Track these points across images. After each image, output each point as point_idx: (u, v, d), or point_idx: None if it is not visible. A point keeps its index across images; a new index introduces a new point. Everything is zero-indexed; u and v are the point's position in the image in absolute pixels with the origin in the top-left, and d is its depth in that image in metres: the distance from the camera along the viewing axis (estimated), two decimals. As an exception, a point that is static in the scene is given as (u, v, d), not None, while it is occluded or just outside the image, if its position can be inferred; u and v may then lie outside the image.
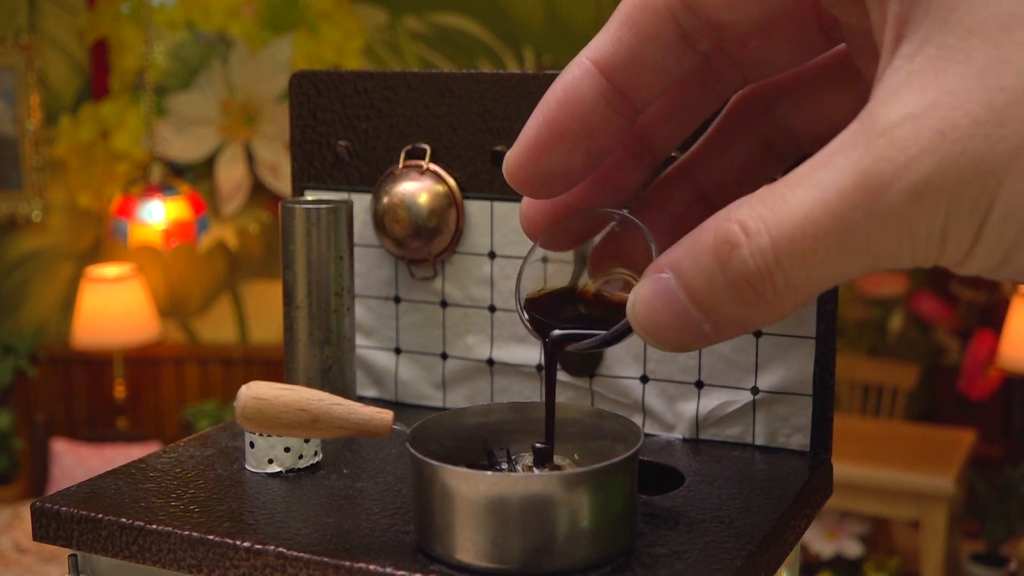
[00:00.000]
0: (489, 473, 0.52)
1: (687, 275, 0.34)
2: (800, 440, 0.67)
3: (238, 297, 3.67)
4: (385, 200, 0.74)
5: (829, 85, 0.42)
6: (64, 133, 3.48)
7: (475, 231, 0.74)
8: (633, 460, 0.52)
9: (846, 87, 0.42)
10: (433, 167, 0.74)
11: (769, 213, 0.32)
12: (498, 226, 0.73)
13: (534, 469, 0.53)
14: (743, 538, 0.54)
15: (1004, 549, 3.03)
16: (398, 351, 0.77)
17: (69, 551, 0.60)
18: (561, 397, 0.72)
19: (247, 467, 0.64)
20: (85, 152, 3.46)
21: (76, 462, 3.20)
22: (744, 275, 0.33)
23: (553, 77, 0.44)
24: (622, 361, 0.71)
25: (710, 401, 0.68)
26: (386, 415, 0.54)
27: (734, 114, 0.44)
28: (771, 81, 0.43)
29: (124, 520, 0.57)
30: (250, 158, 3.46)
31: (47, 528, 0.59)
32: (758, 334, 0.67)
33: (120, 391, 3.45)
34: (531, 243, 0.46)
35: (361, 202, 0.76)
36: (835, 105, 0.42)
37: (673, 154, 0.58)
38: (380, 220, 0.74)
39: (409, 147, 0.74)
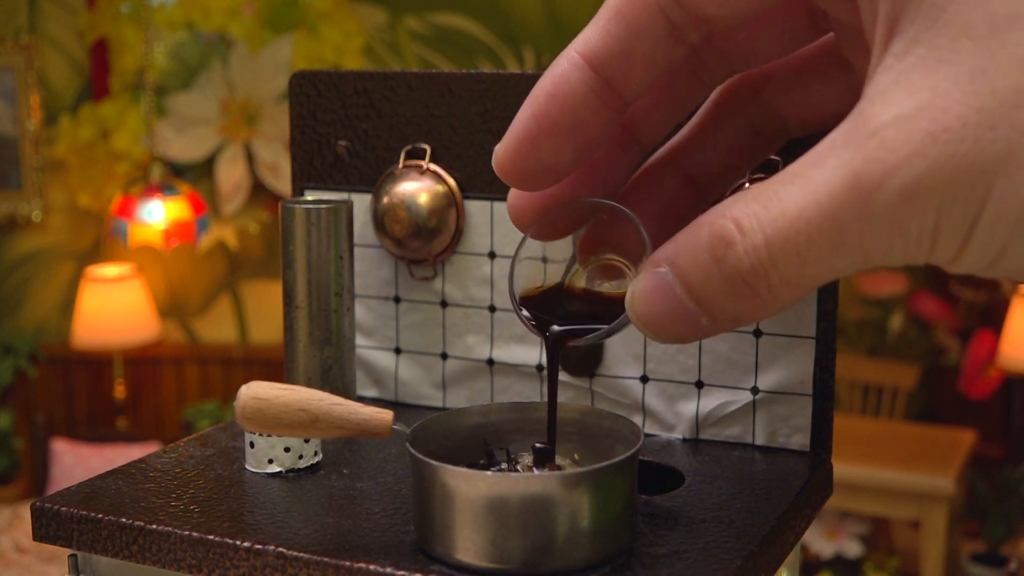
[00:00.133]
0: (489, 473, 0.52)
1: (683, 270, 0.35)
2: (800, 440, 0.67)
3: (238, 297, 3.67)
4: (385, 200, 0.74)
5: (817, 72, 0.43)
6: (64, 133, 3.48)
7: (475, 231, 0.74)
8: (633, 460, 0.52)
9: (834, 75, 0.42)
10: (433, 167, 0.74)
11: (763, 211, 0.32)
12: (498, 226, 0.73)
13: (534, 469, 0.53)
14: (743, 538, 0.54)
15: (1004, 549, 3.03)
16: (398, 351, 0.77)
17: (69, 551, 0.60)
18: (561, 397, 0.72)
19: (247, 467, 0.64)
20: (85, 152, 3.46)
21: (76, 462, 3.20)
22: (739, 272, 0.33)
23: (553, 77, 0.44)
24: (622, 361, 0.71)
25: (710, 401, 0.68)
26: (386, 415, 0.54)
27: (722, 101, 0.44)
28: (760, 68, 0.43)
29: (124, 520, 0.57)
30: (250, 158, 3.46)
31: (47, 528, 0.59)
32: (758, 334, 0.67)
33: (120, 391, 3.45)
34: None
35: (361, 202, 0.76)
36: (823, 92, 0.43)
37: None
38: (380, 220, 0.74)
39: (409, 147, 0.74)
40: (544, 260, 0.48)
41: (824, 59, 0.42)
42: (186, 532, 0.55)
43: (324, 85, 0.76)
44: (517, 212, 0.45)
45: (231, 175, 3.44)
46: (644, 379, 0.70)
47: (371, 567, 0.51)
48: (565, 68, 0.39)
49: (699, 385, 0.69)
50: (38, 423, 3.33)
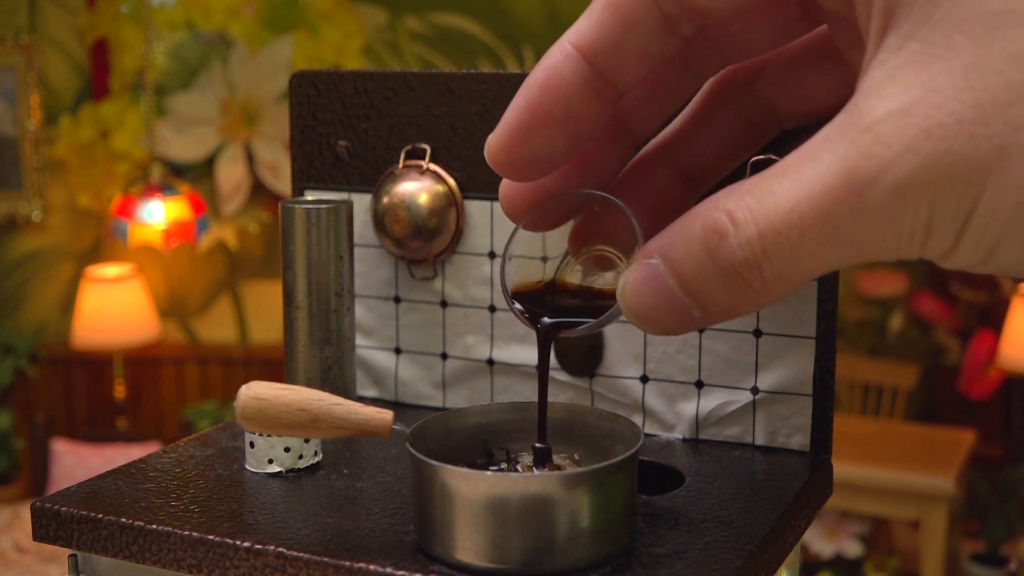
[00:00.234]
0: (489, 473, 0.52)
1: (676, 261, 0.35)
2: (800, 440, 0.67)
3: (238, 297, 3.67)
4: (385, 200, 0.74)
5: (810, 64, 0.43)
6: (64, 133, 3.48)
7: (475, 231, 0.74)
8: (633, 460, 0.52)
9: (827, 66, 0.42)
10: (433, 167, 0.74)
11: (756, 204, 0.32)
12: (498, 226, 0.73)
13: (534, 469, 0.53)
14: (743, 538, 0.54)
15: (1004, 549, 3.03)
16: (398, 351, 0.77)
17: (69, 551, 0.60)
18: (561, 397, 0.72)
19: (247, 467, 0.64)
20: (85, 152, 3.46)
21: (76, 462, 3.20)
22: (732, 264, 0.33)
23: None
24: (622, 361, 0.71)
25: (710, 401, 0.68)
26: (386, 415, 0.54)
27: (714, 92, 0.45)
28: (752, 60, 0.43)
29: (124, 520, 0.57)
30: (250, 158, 3.46)
31: (47, 528, 0.59)
32: (758, 334, 0.67)
33: (120, 391, 3.45)
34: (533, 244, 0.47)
35: (361, 202, 0.76)
36: (816, 84, 0.43)
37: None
38: (380, 220, 0.74)
39: (409, 147, 0.74)
40: (538, 258, 0.48)
41: (817, 51, 0.42)
42: (186, 532, 0.55)
43: (324, 85, 0.76)
44: (509, 203, 0.45)
45: (231, 175, 3.44)
46: (644, 379, 0.70)
47: (371, 567, 0.51)
48: (558, 59, 0.39)
49: (699, 385, 0.69)
50: (38, 423, 3.33)
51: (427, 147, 0.74)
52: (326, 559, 0.52)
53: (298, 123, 0.78)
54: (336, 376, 0.71)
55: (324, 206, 0.69)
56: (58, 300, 3.65)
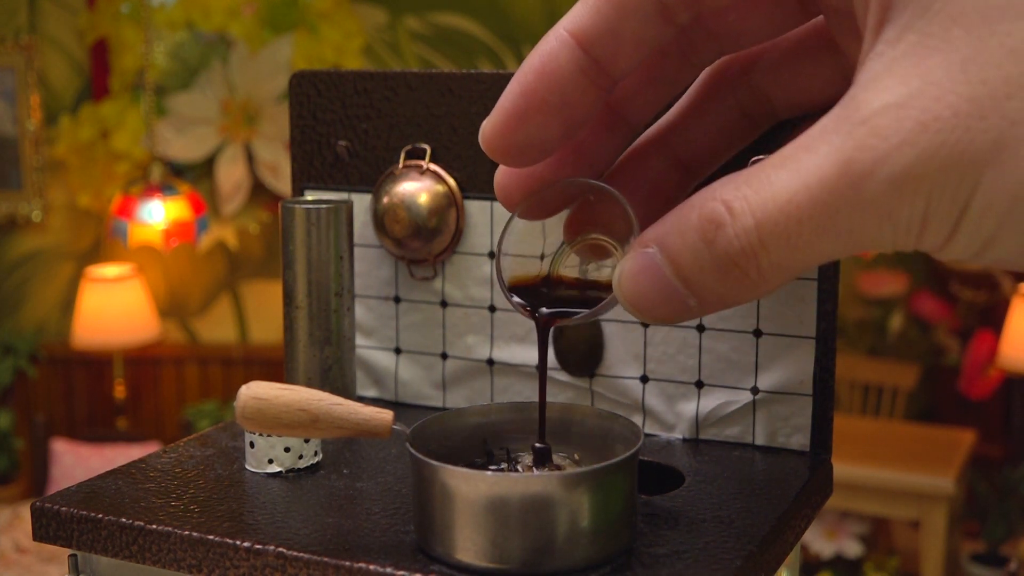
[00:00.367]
0: (489, 473, 0.52)
1: (672, 251, 0.35)
2: (800, 440, 0.67)
3: (238, 297, 3.67)
4: (385, 200, 0.74)
5: (806, 55, 0.43)
6: (64, 133, 3.48)
7: (475, 231, 0.74)
8: (633, 460, 0.52)
9: (823, 57, 0.42)
10: (433, 167, 0.74)
11: (754, 194, 0.32)
12: (498, 226, 0.73)
13: (534, 469, 0.53)
14: (743, 538, 0.54)
15: (1004, 549, 3.03)
16: (398, 351, 0.77)
17: (69, 551, 0.60)
18: (561, 397, 0.72)
19: (247, 467, 0.64)
20: (85, 152, 3.46)
21: (76, 462, 3.20)
22: (729, 254, 0.33)
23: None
24: (622, 361, 0.71)
25: (710, 401, 0.68)
26: (386, 415, 0.54)
27: (710, 82, 0.44)
28: (749, 50, 0.43)
29: (124, 520, 0.57)
30: (250, 158, 3.46)
31: (47, 528, 0.59)
32: (758, 334, 0.67)
33: (120, 391, 3.45)
34: (530, 244, 0.47)
35: (361, 202, 0.76)
36: (812, 75, 0.43)
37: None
38: (380, 220, 0.74)
39: (409, 147, 0.74)
40: (535, 254, 0.48)
41: (813, 42, 0.42)
42: (186, 532, 0.55)
43: (324, 85, 0.76)
44: (504, 190, 0.45)
45: (231, 175, 3.44)
46: (644, 379, 0.70)
47: (371, 567, 0.51)
48: (553, 46, 0.39)
49: (699, 385, 0.69)
50: (38, 423, 3.33)
51: (427, 147, 0.74)
52: (326, 559, 0.52)
53: (298, 123, 0.78)
54: (336, 376, 0.71)
55: (324, 206, 0.69)
56: (58, 300, 3.65)
